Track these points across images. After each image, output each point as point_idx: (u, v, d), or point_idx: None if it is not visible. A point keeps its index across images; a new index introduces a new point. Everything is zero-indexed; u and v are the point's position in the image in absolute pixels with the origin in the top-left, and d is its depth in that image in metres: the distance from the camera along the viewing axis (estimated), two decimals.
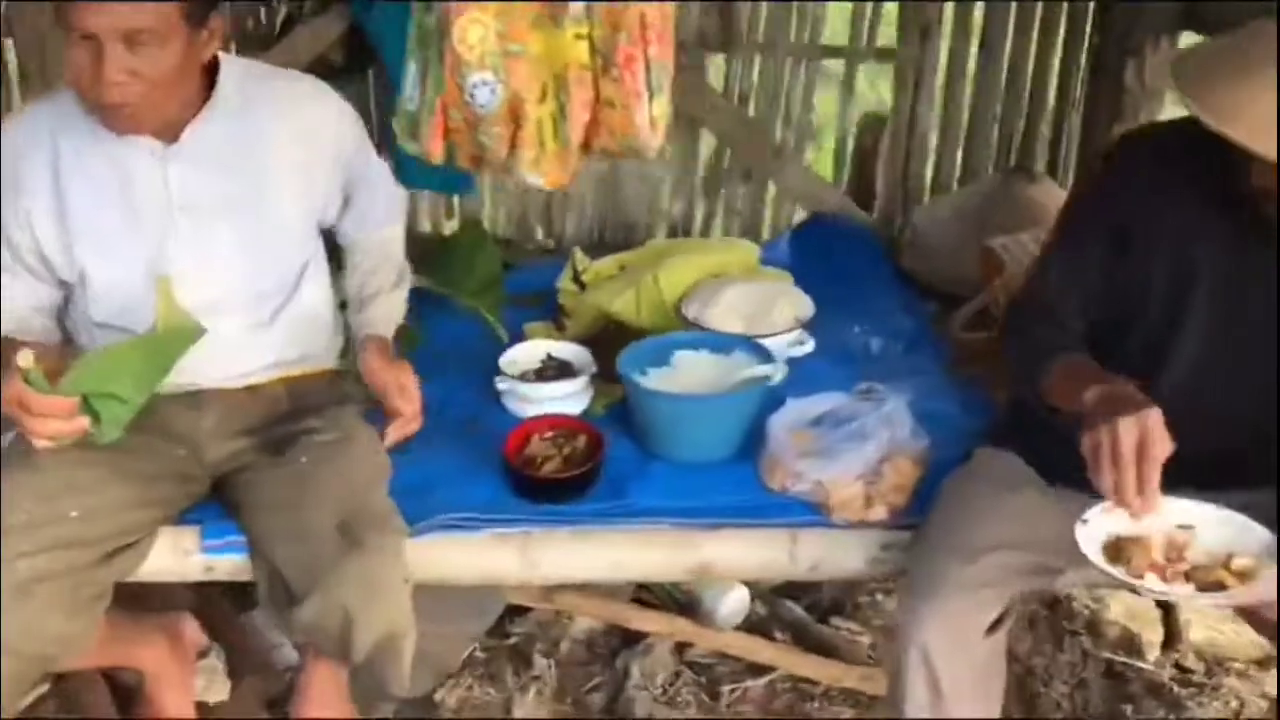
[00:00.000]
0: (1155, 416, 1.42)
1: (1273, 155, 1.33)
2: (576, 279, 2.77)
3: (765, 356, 2.17)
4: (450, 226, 3.14)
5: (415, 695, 2.21)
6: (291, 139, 1.86)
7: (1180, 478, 1.64)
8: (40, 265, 1.82)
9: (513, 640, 2.44)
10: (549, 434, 2.07)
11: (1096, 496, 1.47)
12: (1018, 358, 1.73)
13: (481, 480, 2.00)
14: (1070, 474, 1.57)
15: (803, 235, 2.96)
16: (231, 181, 1.82)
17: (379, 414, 1.95)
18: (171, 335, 1.77)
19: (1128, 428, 1.40)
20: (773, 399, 2.11)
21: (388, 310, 2.06)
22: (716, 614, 2.40)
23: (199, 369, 1.85)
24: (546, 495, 1.96)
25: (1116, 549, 1.44)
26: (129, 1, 1.60)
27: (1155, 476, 1.41)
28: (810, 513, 1.92)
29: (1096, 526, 1.45)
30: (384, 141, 2.93)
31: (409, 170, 2.94)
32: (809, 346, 2.37)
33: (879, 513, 1.90)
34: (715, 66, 3.02)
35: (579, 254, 2.83)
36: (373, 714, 1.92)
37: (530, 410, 2.21)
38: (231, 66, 1.84)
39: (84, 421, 1.63)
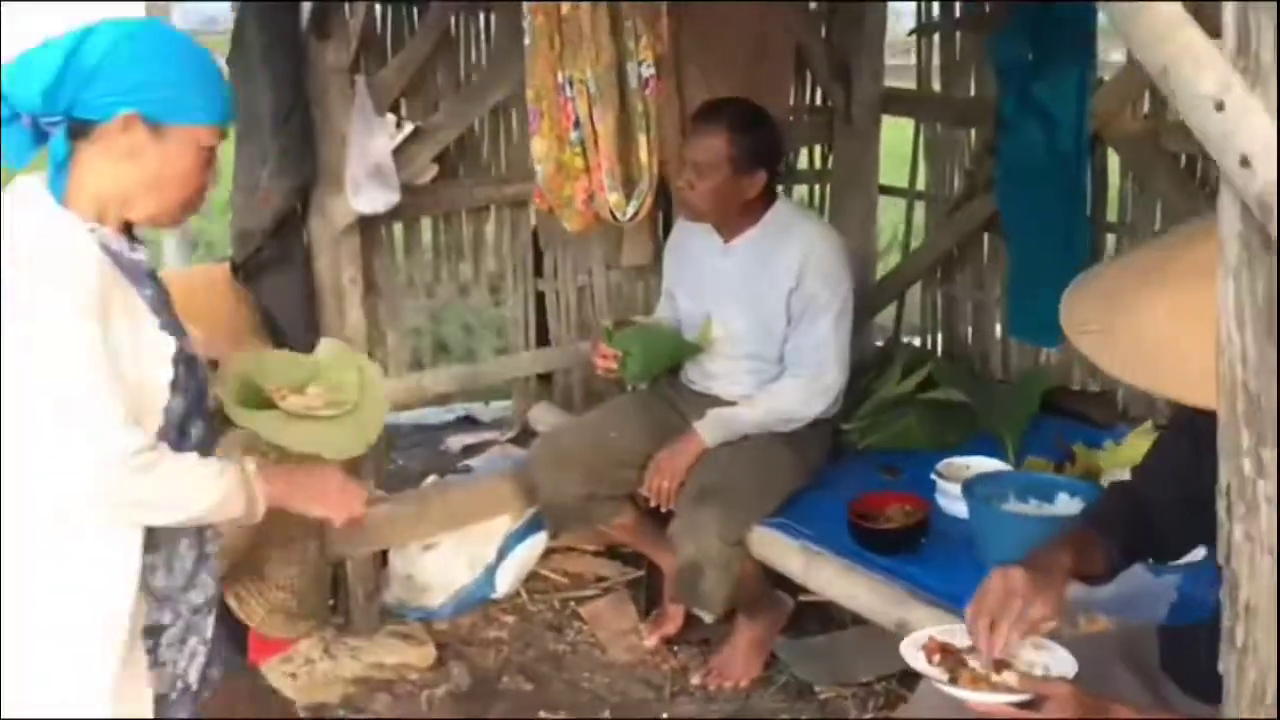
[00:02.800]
0: (1017, 574, 1.55)
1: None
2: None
3: None
4: (1077, 379, 3.57)
5: (816, 677, 2.94)
6: (788, 266, 2.84)
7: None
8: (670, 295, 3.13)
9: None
10: (908, 508, 2.68)
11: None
12: None
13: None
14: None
15: None
16: (753, 278, 2.88)
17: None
18: (687, 346, 2.97)
19: (995, 577, 1.57)
20: None
21: (728, 419, 2.84)
22: None
23: (712, 384, 2.99)
24: (864, 541, 2.63)
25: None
26: (700, 141, 2.79)
27: (1003, 626, 1.52)
28: None
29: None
30: None
31: (1015, 323, 3.52)
32: None
33: None
34: None
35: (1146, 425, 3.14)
36: (692, 608, 2.86)
37: (951, 507, 2.80)
38: (781, 206, 2.91)
39: (614, 364, 2.86)
